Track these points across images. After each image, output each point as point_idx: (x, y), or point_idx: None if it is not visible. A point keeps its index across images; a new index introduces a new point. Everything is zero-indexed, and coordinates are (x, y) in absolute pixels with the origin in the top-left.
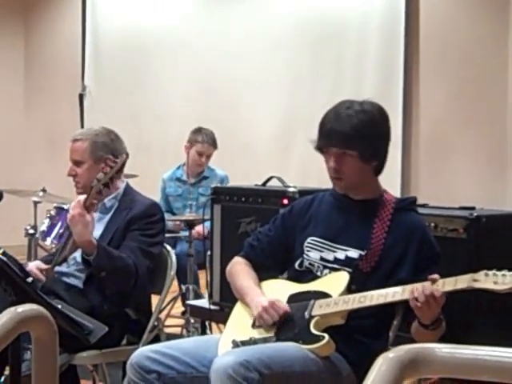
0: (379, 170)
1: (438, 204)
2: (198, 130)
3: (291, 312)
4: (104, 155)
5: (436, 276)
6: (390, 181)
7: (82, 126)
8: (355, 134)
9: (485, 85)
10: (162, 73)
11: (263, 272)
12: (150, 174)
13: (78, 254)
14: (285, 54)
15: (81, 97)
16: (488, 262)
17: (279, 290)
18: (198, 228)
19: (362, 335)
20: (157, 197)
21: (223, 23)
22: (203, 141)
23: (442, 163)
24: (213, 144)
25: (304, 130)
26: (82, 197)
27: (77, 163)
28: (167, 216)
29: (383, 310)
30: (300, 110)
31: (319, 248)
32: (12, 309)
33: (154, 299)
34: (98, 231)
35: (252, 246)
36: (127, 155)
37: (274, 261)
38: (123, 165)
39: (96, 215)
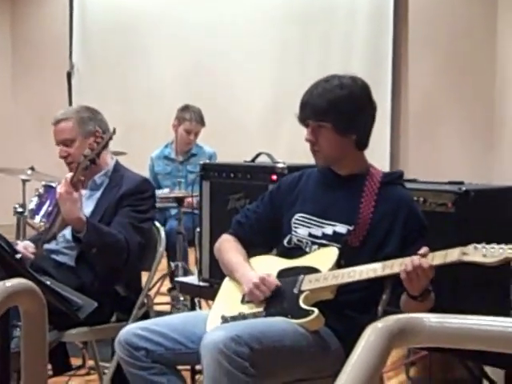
0: (362, 144)
1: (426, 179)
2: (186, 108)
3: (281, 287)
4: (93, 128)
5: (425, 249)
6: (379, 156)
7: (70, 104)
8: (328, 106)
9: (473, 60)
10: (152, 50)
11: (252, 249)
12: (141, 152)
13: (67, 232)
14: (274, 31)
15: (69, 75)
16: (477, 236)
17: (268, 266)
18: (188, 199)
19: (351, 310)
20: (145, 175)
21: (214, 1)
22: (191, 119)
23: (430, 139)
24: (200, 121)
25: (293, 107)
26: (70, 174)
27: (66, 143)
28: (156, 192)
29: (372, 284)
30: (289, 87)
31: (307, 224)
32: (0, 283)
33: (144, 277)
34: (88, 208)
35: (240, 223)
36: (114, 130)
37: (263, 238)
38: (109, 140)
39: (86, 192)
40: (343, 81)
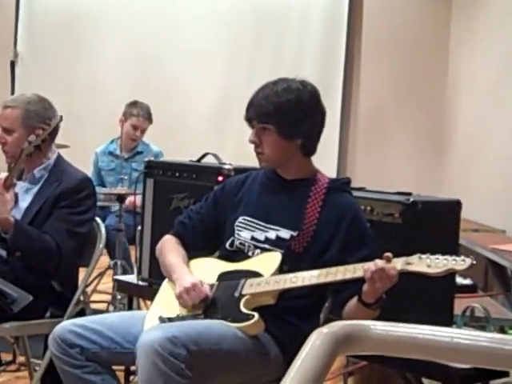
0: (308, 149)
1: (374, 188)
2: (134, 104)
3: (219, 292)
4: (36, 124)
5: (389, 254)
6: (326, 163)
7: (13, 94)
8: (273, 109)
9: (425, 68)
10: (98, 41)
11: (194, 251)
12: (82, 145)
13: None
14: (226, 30)
15: (12, 64)
16: (422, 248)
17: (209, 269)
18: (130, 198)
19: (292, 316)
20: (87, 169)
21: None
22: (138, 114)
23: (379, 148)
24: (148, 118)
25: (241, 108)
26: (4, 175)
27: (7, 131)
28: (98, 189)
29: (315, 291)
30: (238, 88)
31: (251, 228)
32: None
33: (81, 273)
34: (25, 202)
35: (183, 223)
36: (61, 118)
37: (205, 240)
38: (56, 130)
39: (24, 185)
40: (291, 84)
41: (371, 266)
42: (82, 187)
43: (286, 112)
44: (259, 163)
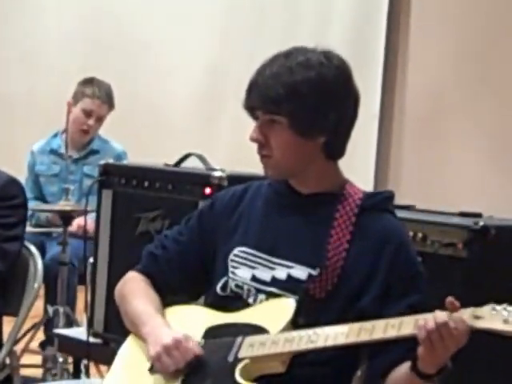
0: (334, 150)
1: (428, 207)
2: (89, 81)
3: (206, 355)
4: None
5: (454, 300)
6: (360, 171)
7: None
8: (285, 92)
9: (505, 43)
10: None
11: (169, 294)
12: (11, 140)
13: None
14: None
15: None
16: (497, 293)
17: (192, 321)
18: (79, 220)
19: None
20: (19, 175)
21: None
22: (94, 95)
23: (435, 151)
24: (107, 101)
25: (238, 92)
26: None
27: None
28: (36, 204)
29: (342, 355)
30: (234, 64)
31: (251, 263)
32: None
33: (7, 325)
34: None
35: (155, 256)
36: None
37: (186, 279)
38: None
39: None
40: (311, 57)
41: (429, 320)
42: (9, 193)
43: (304, 97)
44: (265, 170)
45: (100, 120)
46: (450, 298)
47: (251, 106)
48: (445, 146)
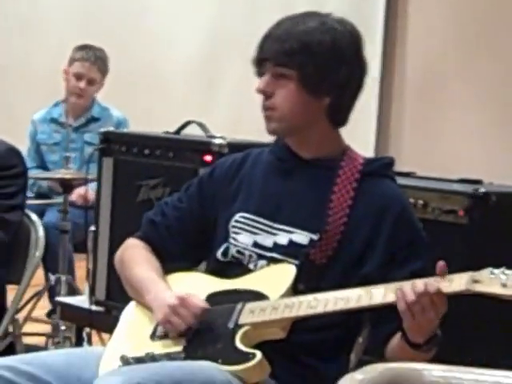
0: (338, 114)
1: (428, 174)
2: (81, 47)
3: (208, 320)
4: None
5: (441, 264)
6: (360, 138)
7: None
8: (299, 47)
9: (508, 6)
10: None
11: (170, 261)
12: (11, 109)
13: None
14: None
15: None
16: (496, 258)
17: (192, 288)
18: (80, 190)
19: (310, 355)
20: (20, 143)
21: None
22: (82, 58)
23: (436, 116)
24: (97, 63)
25: (238, 56)
26: None
27: None
28: (37, 173)
29: (343, 320)
30: (234, 26)
31: (252, 229)
32: None
33: (10, 293)
34: None
35: (154, 223)
36: None
37: (186, 246)
38: None
39: None
40: (326, 21)
41: (407, 292)
42: (8, 162)
43: (316, 55)
44: (267, 125)
45: (92, 83)
46: (440, 263)
47: (262, 58)
48: (445, 112)
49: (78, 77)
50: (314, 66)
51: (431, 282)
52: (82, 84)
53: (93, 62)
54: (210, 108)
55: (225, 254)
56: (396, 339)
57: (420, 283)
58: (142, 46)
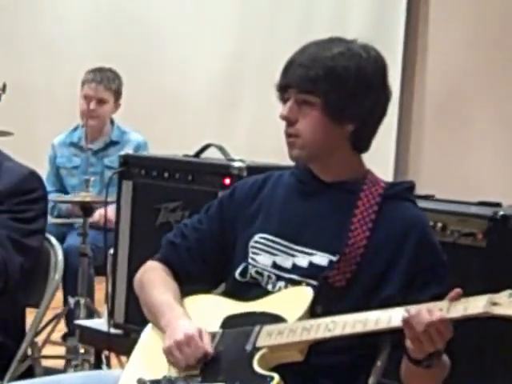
0: (361, 141)
1: (447, 196)
2: (92, 70)
3: (225, 344)
4: None
5: (458, 291)
6: (380, 161)
7: None
8: (324, 74)
9: None
10: None
11: (189, 283)
12: (32, 133)
13: None
14: None
15: None
16: None
17: (211, 311)
18: (101, 210)
19: (327, 378)
20: (39, 167)
21: None
22: (91, 79)
23: (455, 140)
24: (103, 83)
25: (257, 80)
26: None
27: None
28: (56, 196)
29: (362, 343)
30: (253, 52)
31: (272, 250)
32: None
33: (29, 316)
34: None
35: (174, 244)
36: (4, 87)
37: (206, 267)
38: None
39: None
40: (352, 47)
41: (418, 320)
42: (28, 186)
43: (341, 81)
44: (289, 151)
45: (102, 103)
46: (457, 289)
47: (286, 84)
48: (464, 134)
49: (88, 99)
50: (339, 93)
51: (440, 305)
52: (92, 105)
53: (99, 81)
54: (229, 131)
55: (243, 274)
56: (404, 359)
57: (426, 313)
58: (162, 69)
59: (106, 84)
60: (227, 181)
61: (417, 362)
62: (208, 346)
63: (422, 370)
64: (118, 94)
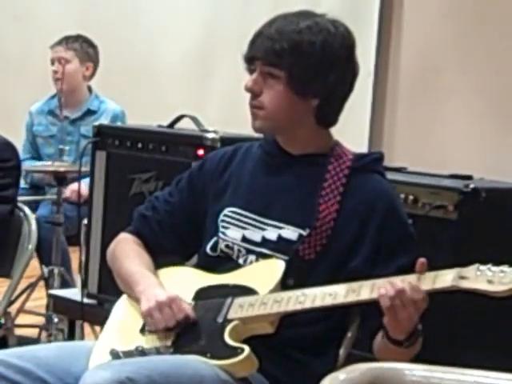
0: (325, 116)
1: (419, 169)
2: (64, 37)
3: (197, 315)
4: None
5: (422, 261)
6: (354, 132)
7: None
8: (289, 47)
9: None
10: None
11: (161, 256)
12: (6, 101)
13: None
14: None
15: None
16: (484, 254)
17: (183, 283)
18: (73, 186)
19: (298, 350)
20: (15, 136)
21: None
22: (54, 44)
23: (427, 114)
24: (64, 43)
25: (231, 51)
26: None
27: None
28: (30, 164)
29: (331, 315)
30: (227, 22)
31: (242, 224)
32: None
33: (2, 286)
34: None
35: (145, 217)
36: None
37: (177, 240)
38: None
39: None
40: (319, 22)
41: (388, 288)
42: (2, 154)
43: (306, 56)
44: (253, 122)
45: (65, 63)
46: (420, 259)
47: (252, 56)
48: (439, 107)
49: (52, 62)
50: (304, 67)
51: (410, 279)
52: (55, 66)
53: (58, 43)
54: (203, 102)
55: (214, 248)
56: (379, 336)
57: (398, 280)
58: (137, 40)
59: (65, 44)
60: (201, 152)
61: (397, 343)
62: (190, 310)
63: (400, 349)
64: (84, 56)
